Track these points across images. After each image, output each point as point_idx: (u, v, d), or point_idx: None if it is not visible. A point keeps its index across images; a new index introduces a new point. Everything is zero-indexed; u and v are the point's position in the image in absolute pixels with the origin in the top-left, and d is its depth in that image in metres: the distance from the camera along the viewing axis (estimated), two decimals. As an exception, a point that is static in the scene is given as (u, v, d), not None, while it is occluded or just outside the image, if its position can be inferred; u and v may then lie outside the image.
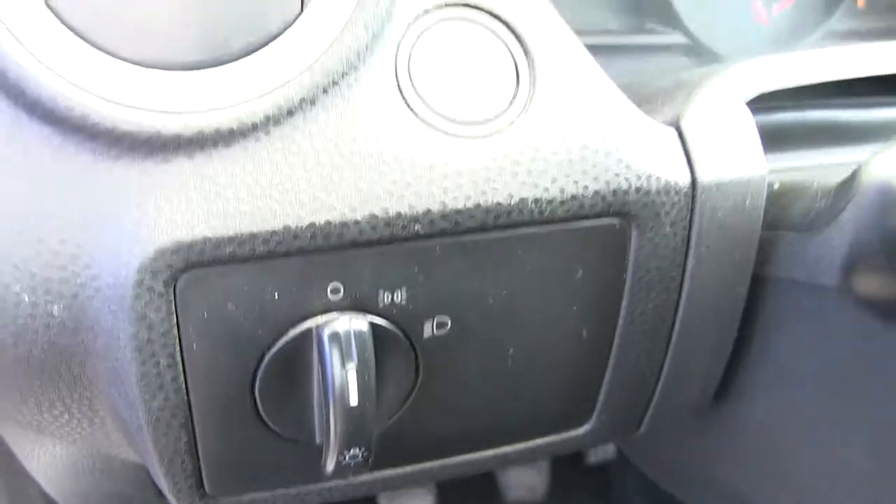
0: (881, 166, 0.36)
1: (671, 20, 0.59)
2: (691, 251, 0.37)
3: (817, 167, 0.48)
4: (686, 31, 0.59)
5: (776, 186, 0.41)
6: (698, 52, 0.60)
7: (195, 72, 0.30)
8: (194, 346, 0.32)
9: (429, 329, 0.35)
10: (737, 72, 0.40)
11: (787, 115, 0.47)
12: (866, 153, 0.48)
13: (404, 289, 0.33)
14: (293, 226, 0.31)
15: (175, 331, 0.31)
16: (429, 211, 0.32)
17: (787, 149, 0.48)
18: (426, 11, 0.33)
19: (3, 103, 0.29)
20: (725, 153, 0.36)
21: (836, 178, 0.40)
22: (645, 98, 0.42)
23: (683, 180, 0.36)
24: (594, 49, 0.58)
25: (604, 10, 0.59)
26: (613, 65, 0.59)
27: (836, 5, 0.65)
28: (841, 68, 0.44)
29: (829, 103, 0.49)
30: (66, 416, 0.37)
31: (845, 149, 0.49)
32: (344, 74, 0.31)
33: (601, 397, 0.42)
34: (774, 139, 0.47)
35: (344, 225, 0.31)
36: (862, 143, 0.49)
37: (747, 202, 0.37)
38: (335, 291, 0.33)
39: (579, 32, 0.58)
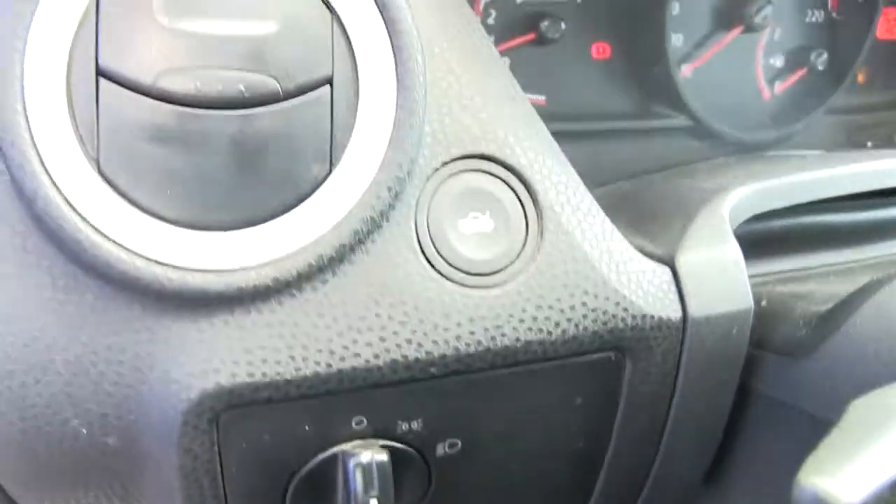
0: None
1: (677, 103, 0.61)
2: (681, 375, 0.41)
3: (807, 270, 0.51)
4: (691, 114, 0.62)
5: (763, 303, 0.45)
6: (703, 134, 0.63)
7: (234, 232, 0.34)
8: (234, 469, 0.36)
9: (441, 449, 0.39)
10: (730, 201, 0.44)
11: (779, 222, 0.51)
12: (855, 254, 0.51)
13: (420, 419, 0.37)
14: (322, 373, 0.34)
15: (217, 458, 0.35)
16: (444, 356, 0.35)
17: (780, 253, 0.51)
18: (444, 164, 0.37)
19: (62, 261, 0.33)
20: (715, 290, 0.40)
21: (819, 304, 0.44)
22: (644, 218, 0.45)
23: (676, 316, 0.39)
24: (605, 133, 0.61)
25: (614, 94, 0.62)
26: (623, 147, 0.62)
27: (838, 83, 0.67)
28: (830, 186, 0.48)
29: (821, 207, 0.52)
30: None
31: (835, 251, 0.53)
32: (368, 233, 0.34)
33: (594, 495, 0.46)
34: (767, 245, 0.50)
35: (368, 370, 0.35)
36: (851, 245, 0.52)
37: (734, 331, 0.41)
38: (359, 423, 0.37)
39: (591, 117, 0.61)
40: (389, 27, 0.35)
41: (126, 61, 0.32)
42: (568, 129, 0.59)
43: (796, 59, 0.67)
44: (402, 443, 0.38)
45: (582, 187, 0.40)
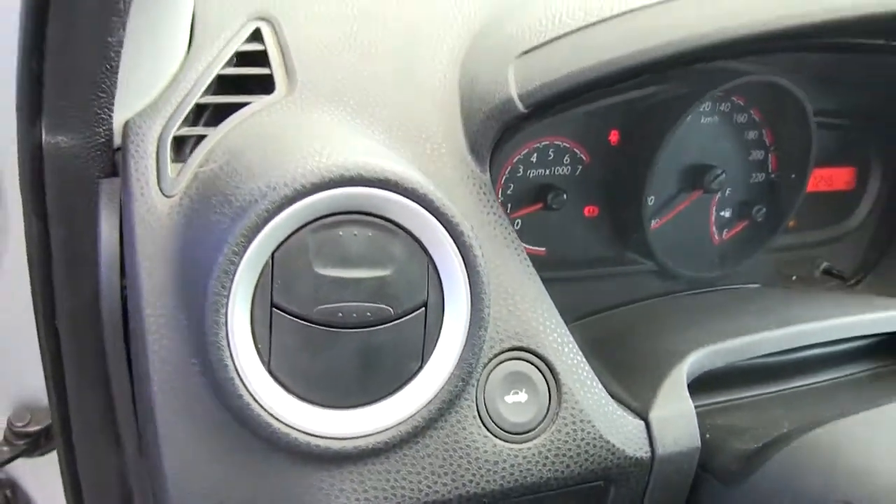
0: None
1: (647, 252, 0.78)
2: (647, 495, 0.58)
3: (742, 400, 0.68)
4: (657, 260, 0.79)
5: (707, 436, 0.61)
6: (665, 276, 0.81)
7: (357, 409, 0.49)
8: None
9: None
10: (687, 365, 0.60)
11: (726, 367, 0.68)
12: (780, 386, 0.68)
13: None
14: None
15: None
16: (492, 492, 0.51)
17: (722, 388, 0.68)
18: (496, 355, 0.53)
19: (240, 430, 0.48)
20: (675, 436, 0.57)
21: (749, 443, 0.61)
22: (622, 369, 0.62)
23: (647, 455, 0.56)
24: (587, 278, 0.77)
25: (598, 245, 0.80)
26: (601, 287, 0.79)
27: (775, 230, 0.85)
28: (766, 345, 0.65)
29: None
30: None
31: (765, 385, 0.70)
32: (447, 409, 0.50)
33: None
34: (712, 381, 0.67)
35: (445, 502, 0.51)
36: (777, 380, 0.70)
37: (685, 465, 0.58)
38: None
39: (579, 265, 0.77)
40: (468, 265, 0.51)
41: (293, 298, 0.47)
42: (561, 276, 0.76)
43: (741, 211, 0.85)
44: None
45: (585, 364, 0.56)
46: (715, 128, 0.82)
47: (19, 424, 0.81)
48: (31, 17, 0.48)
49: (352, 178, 0.47)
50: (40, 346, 0.61)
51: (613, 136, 0.77)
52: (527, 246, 0.71)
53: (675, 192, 0.81)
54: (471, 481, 0.53)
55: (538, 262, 0.62)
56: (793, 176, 0.85)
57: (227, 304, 0.46)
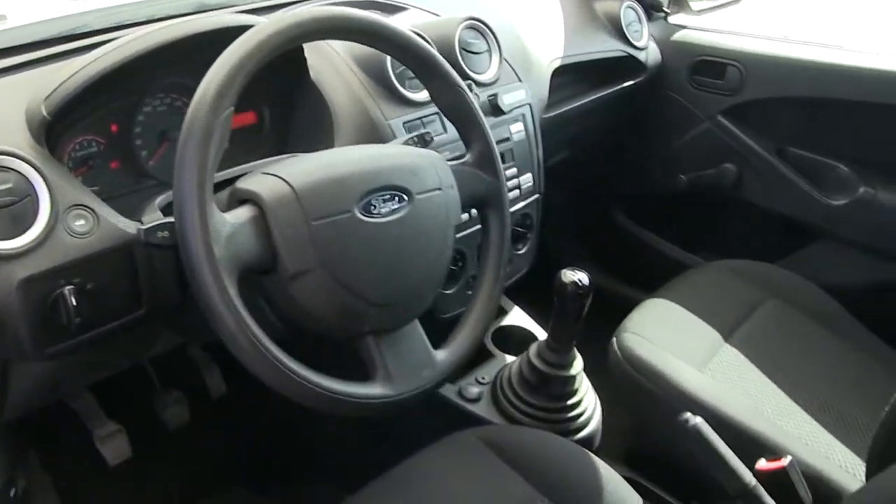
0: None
1: (149, 175, 1.60)
2: None
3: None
4: (158, 179, 1.61)
5: None
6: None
7: None
8: None
9: None
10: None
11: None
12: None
13: None
14: None
15: None
16: None
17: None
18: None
19: None
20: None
21: None
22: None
23: None
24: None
25: (117, 179, 1.48)
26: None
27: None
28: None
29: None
30: None
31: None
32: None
33: None
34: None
35: None
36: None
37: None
38: None
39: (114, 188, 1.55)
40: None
41: None
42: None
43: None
44: None
45: None
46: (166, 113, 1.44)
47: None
48: None
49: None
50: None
51: (114, 128, 1.36)
52: (89, 188, 1.21)
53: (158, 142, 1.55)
54: None
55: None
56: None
57: None
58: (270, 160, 1.28)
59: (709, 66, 2.37)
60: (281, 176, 1.08)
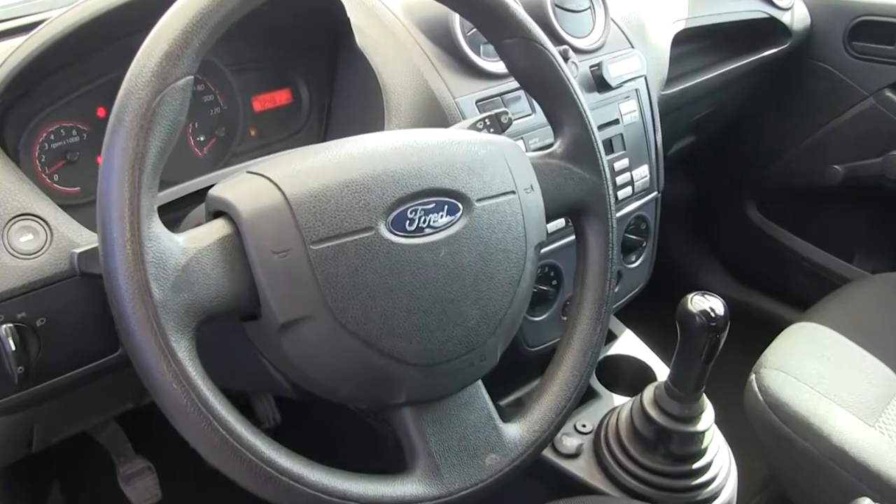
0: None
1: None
2: None
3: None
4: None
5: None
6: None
7: None
8: None
9: None
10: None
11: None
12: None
13: None
14: None
15: None
16: None
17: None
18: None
19: None
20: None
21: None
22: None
23: None
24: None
25: None
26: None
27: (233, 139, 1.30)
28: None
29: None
30: None
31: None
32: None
33: None
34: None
35: None
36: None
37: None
38: None
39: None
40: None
41: None
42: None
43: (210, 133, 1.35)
44: None
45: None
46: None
47: None
48: None
49: None
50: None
51: (101, 112, 1.14)
52: (65, 188, 1.15)
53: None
54: None
55: (72, 198, 1.09)
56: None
57: None
58: (265, 159, 1.01)
59: (873, 27, 1.95)
60: (269, 177, 0.77)
